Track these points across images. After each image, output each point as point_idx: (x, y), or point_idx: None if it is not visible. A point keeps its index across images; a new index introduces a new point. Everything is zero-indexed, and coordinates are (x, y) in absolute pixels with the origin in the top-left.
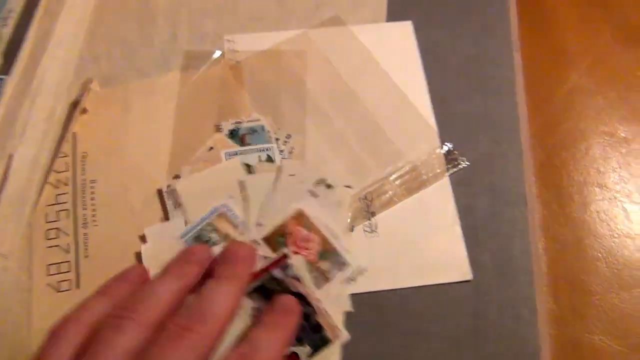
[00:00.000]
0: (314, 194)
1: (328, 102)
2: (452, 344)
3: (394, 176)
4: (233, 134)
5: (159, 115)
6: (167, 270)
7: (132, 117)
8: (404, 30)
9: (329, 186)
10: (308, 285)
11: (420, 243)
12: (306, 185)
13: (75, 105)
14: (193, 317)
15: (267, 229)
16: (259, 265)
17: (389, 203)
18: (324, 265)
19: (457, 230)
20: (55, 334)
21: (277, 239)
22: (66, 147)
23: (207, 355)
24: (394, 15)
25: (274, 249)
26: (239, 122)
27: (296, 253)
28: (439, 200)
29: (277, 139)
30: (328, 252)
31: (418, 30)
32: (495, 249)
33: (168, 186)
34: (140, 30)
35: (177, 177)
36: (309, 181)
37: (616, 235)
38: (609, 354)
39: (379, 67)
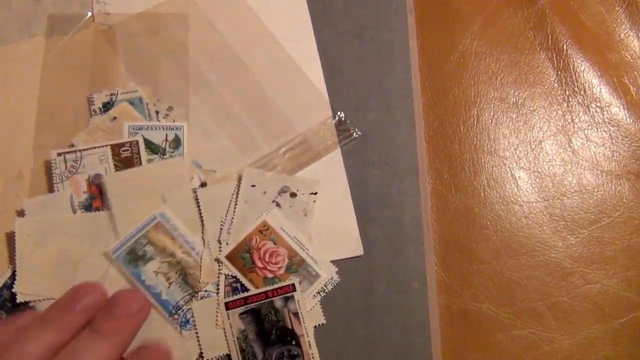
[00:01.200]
0: (278, 204)
1: (213, 70)
2: (341, 323)
3: (283, 149)
4: (107, 107)
5: (21, 88)
6: (47, 318)
7: None
8: None
9: (293, 195)
10: (305, 326)
11: None
12: (269, 195)
13: None
14: None
15: (230, 246)
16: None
17: None
18: (294, 279)
19: (349, 203)
20: None
21: (241, 255)
22: None
23: None
24: None
25: (239, 267)
26: (113, 94)
27: (263, 269)
28: (329, 173)
29: (157, 112)
30: (296, 265)
31: None
32: (387, 221)
33: (59, 154)
34: None
35: (72, 145)
36: (273, 191)
37: (504, 203)
38: (496, 321)
39: (267, 31)
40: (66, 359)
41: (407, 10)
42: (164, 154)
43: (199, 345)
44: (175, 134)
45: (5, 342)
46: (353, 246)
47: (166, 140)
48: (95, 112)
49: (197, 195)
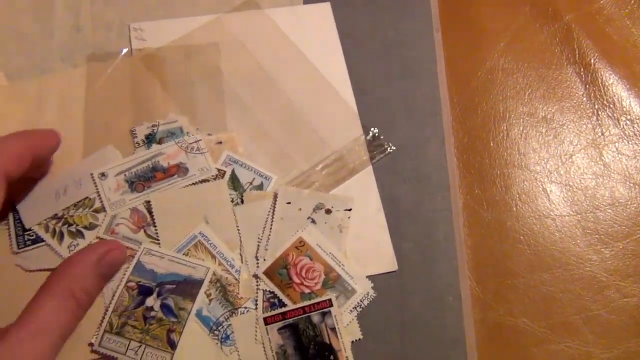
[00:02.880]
0: (313, 221)
1: (248, 93)
2: (377, 338)
3: (320, 166)
4: (149, 139)
5: (75, 112)
6: None
7: (48, 114)
8: (323, 12)
9: (328, 211)
10: (342, 341)
11: None
12: (305, 212)
13: None
14: None
15: (267, 262)
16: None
17: None
18: (331, 294)
19: (382, 219)
20: None
21: (279, 271)
22: None
23: None
24: None
25: (277, 283)
26: (155, 125)
27: (300, 285)
28: (362, 190)
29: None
30: (332, 280)
31: (337, 11)
32: (419, 236)
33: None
34: (38, 21)
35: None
36: (308, 207)
37: (537, 217)
38: (532, 335)
39: (299, 52)
40: None
41: (433, 28)
42: (242, 195)
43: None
44: (262, 182)
45: None
46: (387, 262)
47: (251, 183)
48: (139, 144)
49: (234, 213)
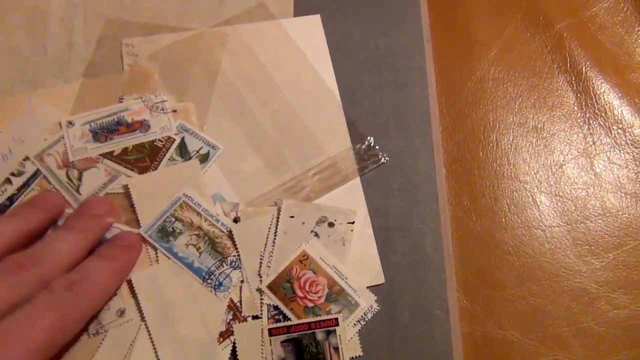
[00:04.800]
0: (316, 234)
1: (248, 93)
2: (365, 351)
3: (312, 171)
4: None
5: None
6: (13, 212)
7: None
8: (313, 25)
9: (331, 225)
10: None
11: None
12: (308, 225)
13: None
14: (30, 257)
15: (271, 276)
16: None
17: (306, 199)
18: (334, 308)
19: (369, 232)
20: None
21: (282, 285)
22: None
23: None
24: (301, 7)
25: (281, 297)
26: (144, 99)
27: (304, 299)
28: (349, 202)
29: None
30: (335, 294)
31: (327, 23)
32: (407, 249)
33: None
34: (31, 38)
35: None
36: (311, 221)
37: (526, 228)
38: (520, 348)
39: (301, 55)
40: (43, 244)
41: (424, 39)
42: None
43: None
44: (209, 151)
45: None
46: (374, 274)
47: (197, 152)
48: None
49: (231, 232)
